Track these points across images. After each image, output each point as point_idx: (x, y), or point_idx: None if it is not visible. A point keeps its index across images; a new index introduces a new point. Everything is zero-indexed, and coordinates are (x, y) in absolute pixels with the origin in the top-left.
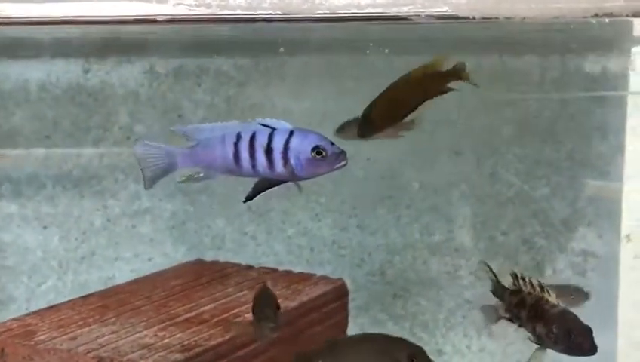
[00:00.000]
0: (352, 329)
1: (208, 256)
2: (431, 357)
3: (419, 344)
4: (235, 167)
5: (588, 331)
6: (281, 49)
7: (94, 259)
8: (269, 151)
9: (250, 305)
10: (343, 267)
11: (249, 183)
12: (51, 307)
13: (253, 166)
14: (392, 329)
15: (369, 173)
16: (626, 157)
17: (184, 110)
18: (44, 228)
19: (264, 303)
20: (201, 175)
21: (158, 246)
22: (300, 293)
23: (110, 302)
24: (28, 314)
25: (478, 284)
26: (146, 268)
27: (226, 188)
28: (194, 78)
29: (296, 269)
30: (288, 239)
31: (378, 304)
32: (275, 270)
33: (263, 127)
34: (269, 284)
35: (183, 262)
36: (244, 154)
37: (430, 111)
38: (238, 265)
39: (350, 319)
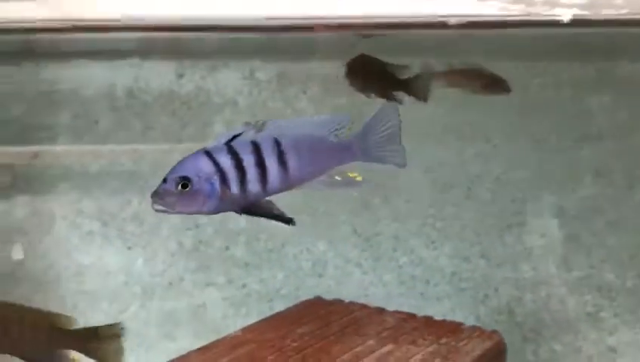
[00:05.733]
0: None
1: (309, 284)
2: None
3: None
4: None
5: None
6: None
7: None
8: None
9: None
10: (464, 303)
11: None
12: None
13: None
14: None
15: (496, 194)
16: None
17: None
18: (128, 248)
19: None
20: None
21: (254, 271)
22: (458, 352)
23: (238, 357)
24: None
25: (624, 329)
26: (240, 296)
27: (329, 207)
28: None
29: (410, 303)
30: (399, 268)
31: None
32: (412, 316)
33: None
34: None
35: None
36: None
37: (572, 124)
38: (367, 307)
39: None
